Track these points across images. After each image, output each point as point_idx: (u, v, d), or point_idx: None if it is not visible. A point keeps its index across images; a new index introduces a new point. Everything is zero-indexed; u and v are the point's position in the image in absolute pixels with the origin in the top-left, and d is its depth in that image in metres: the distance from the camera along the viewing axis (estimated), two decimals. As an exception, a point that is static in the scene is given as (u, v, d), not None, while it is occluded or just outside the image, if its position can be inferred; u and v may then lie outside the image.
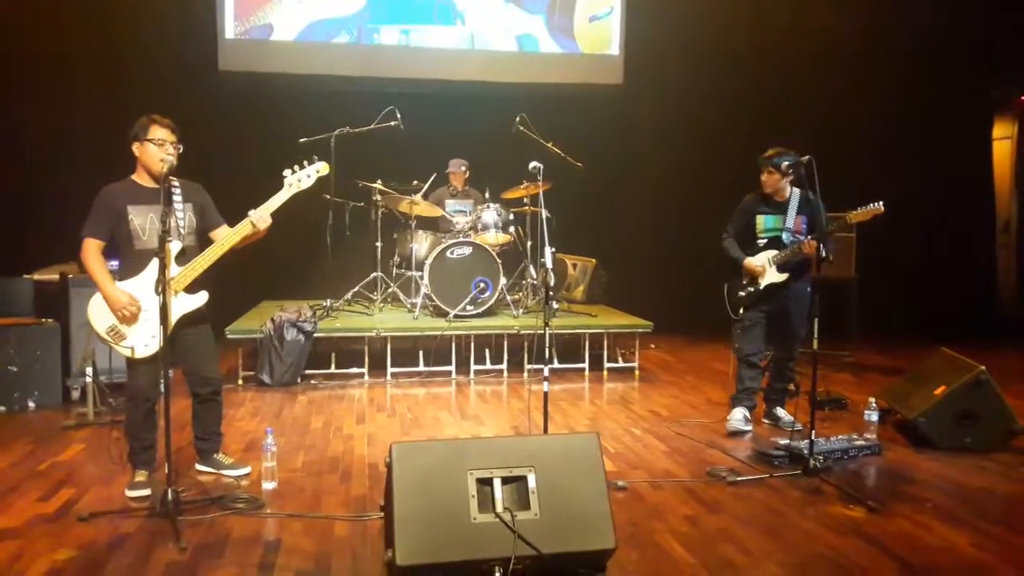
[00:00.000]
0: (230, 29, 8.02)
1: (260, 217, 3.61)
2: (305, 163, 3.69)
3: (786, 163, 4.54)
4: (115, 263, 3.67)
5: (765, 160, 4.66)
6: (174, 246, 3.57)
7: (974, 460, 4.24)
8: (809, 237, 4.55)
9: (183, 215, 3.66)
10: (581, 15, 8.65)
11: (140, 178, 3.65)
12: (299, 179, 3.66)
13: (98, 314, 3.55)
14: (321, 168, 3.70)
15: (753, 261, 4.72)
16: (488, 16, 8.50)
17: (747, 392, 4.80)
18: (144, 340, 3.55)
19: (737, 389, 4.84)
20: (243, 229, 3.63)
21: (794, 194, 4.70)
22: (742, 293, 4.78)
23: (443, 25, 8.41)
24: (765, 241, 4.74)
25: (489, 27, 8.50)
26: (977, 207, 8.97)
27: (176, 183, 3.69)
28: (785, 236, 4.69)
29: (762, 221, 4.75)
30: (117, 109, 6.89)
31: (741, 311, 4.79)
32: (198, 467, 3.96)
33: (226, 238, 3.64)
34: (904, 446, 4.51)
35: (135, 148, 3.61)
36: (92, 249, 3.57)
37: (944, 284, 8.53)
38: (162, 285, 3.21)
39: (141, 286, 3.56)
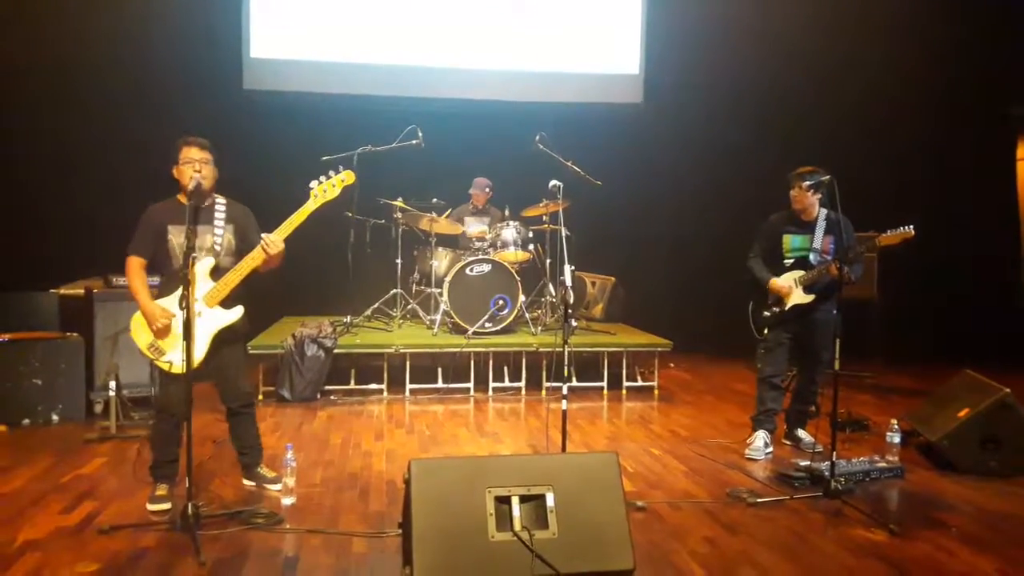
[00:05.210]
0: (255, 48, 8.13)
1: (273, 242, 3.61)
2: (331, 173, 3.71)
3: (807, 183, 4.49)
4: (156, 280, 3.75)
5: (797, 176, 4.59)
6: (207, 262, 3.63)
7: (999, 484, 4.18)
8: (835, 258, 4.48)
9: (221, 234, 3.71)
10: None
11: (183, 198, 3.71)
12: (324, 189, 3.68)
13: (139, 331, 3.64)
14: (345, 176, 3.72)
15: (779, 281, 4.67)
16: None
17: (768, 414, 4.74)
18: (182, 354, 3.58)
19: (758, 411, 4.79)
20: (257, 256, 3.64)
21: (822, 214, 4.65)
22: (767, 313, 4.74)
23: None
24: (792, 261, 4.68)
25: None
26: (1001, 228, 8.87)
27: (222, 201, 3.75)
28: (812, 257, 4.62)
29: (789, 241, 4.70)
30: (144, 127, 7.07)
31: (765, 331, 4.75)
32: (245, 482, 4.01)
33: (253, 254, 3.65)
34: (927, 469, 4.45)
35: (174, 171, 3.69)
36: (134, 266, 3.65)
37: (968, 305, 8.43)
38: (186, 301, 3.24)
39: (178, 302, 3.60)
